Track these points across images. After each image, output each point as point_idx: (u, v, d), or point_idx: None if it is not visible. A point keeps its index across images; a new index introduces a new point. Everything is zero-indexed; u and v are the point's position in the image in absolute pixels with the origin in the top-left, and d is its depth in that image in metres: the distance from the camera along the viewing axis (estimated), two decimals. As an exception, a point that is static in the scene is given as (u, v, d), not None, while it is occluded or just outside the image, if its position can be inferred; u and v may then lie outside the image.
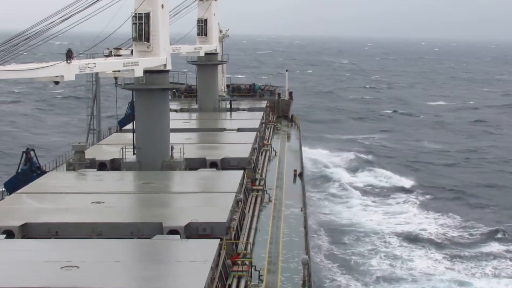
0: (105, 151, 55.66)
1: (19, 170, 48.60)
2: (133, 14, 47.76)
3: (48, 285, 26.43)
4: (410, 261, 60.75)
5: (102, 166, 51.01)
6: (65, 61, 38.02)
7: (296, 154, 73.75)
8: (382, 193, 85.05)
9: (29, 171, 48.27)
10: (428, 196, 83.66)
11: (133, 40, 48.40)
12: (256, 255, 38.76)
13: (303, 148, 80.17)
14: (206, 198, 41.01)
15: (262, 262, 38.42)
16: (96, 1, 42.93)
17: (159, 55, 48.19)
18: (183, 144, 51.53)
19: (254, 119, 74.00)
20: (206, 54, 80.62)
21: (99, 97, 68.22)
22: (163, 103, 49.98)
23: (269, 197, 52.34)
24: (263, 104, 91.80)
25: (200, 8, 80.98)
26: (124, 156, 49.63)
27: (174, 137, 51.97)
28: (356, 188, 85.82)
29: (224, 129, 68.78)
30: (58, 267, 28.13)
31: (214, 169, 50.42)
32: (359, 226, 70.27)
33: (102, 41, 45.10)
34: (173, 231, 33.64)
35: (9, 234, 33.48)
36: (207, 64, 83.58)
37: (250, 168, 52.74)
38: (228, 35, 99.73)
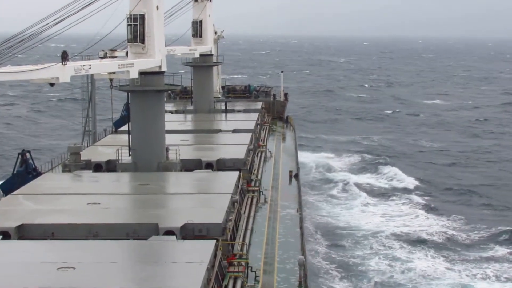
0: (100, 152, 55.69)
1: (15, 172, 48.63)
2: (128, 16, 47.79)
3: (44, 286, 26.49)
4: (410, 262, 60.12)
5: (97, 167, 51.07)
6: (60, 63, 38.04)
7: (291, 155, 73.81)
8: (383, 194, 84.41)
9: (25, 173, 48.28)
10: (429, 197, 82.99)
11: (128, 42, 48.41)
12: (252, 256, 38.79)
13: (300, 150, 79.93)
14: (202, 199, 41.06)
15: (258, 263, 38.47)
16: (91, 3, 42.98)
17: (154, 57, 48.22)
18: (179, 145, 51.53)
19: (249, 120, 74.10)
20: (201, 55, 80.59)
21: (94, 98, 68.25)
22: (158, 105, 50.01)
23: (265, 198, 52.39)
24: (259, 105, 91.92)
25: (195, 9, 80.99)
26: (119, 158, 49.67)
27: (169, 139, 52.00)
28: (356, 188, 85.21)
29: (220, 130, 68.86)
30: (54, 268, 28.18)
31: (210, 170, 50.50)
32: (359, 227, 69.77)
33: (97, 42, 45.17)
34: (169, 232, 33.71)
35: (5, 235, 33.55)
36: (202, 65, 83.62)
37: (245, 169, 52.79)
38: (223, 36, 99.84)
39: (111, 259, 29.90)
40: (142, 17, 47.64)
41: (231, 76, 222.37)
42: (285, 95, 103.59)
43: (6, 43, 36.35)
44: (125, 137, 52.77)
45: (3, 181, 49.51)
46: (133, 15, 47.70)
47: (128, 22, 47.85)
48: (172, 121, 68.55)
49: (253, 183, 53.55)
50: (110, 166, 50.92)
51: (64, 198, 40.41)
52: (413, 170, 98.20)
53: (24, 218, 35.34)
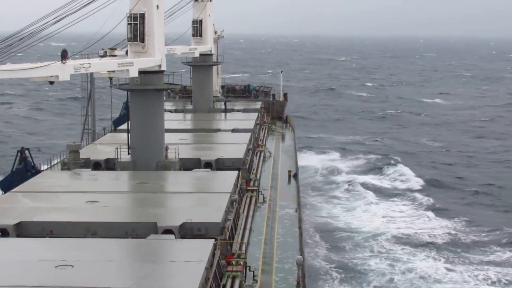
0: (99, 150, 55.74)
1: (14, 169, 48.67)
2: (128, 15, 47.81)
3: (43, 284, 26.51)
4: (411, 262, 59.98)
5: (96, 165, 51.11)
6: (60, 61, 38.08)
7: (290, 155, 73.84)
8: (385, 194, 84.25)
9: (23, 170, 48.34)
10: (432, 198, 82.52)
11: (128, 41, 48.42)
12: (251, 255, 38.81)
13: (301, 149, 79.84)
14: (200, 198, 41.07)
15: (257, 263, 38.49)
16: (90, 2, 43.00)
17: (154, 56, 48.25)
18: (178, 144, 51.59)
19: (248, 120, 74.13)
20: (201, 55, 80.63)
21: (94, 97, 68.30)
22: (158, 104, 50.03)
23: (264, 198, 52.40)
24: (258, 105, 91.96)
25: (195, 8, 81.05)
26: (118, 156, 49.69)
27: (168, 137, 52.04)
28: (357, 189, 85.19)
29: (219, 130, 68.89)
30: (52, 266, 28.20)
31: (209, 169, 50.53)
32: (360, 228, 69.72)
33: (97, 41, 45.17)
34: (168, 231, 33.74)
35: (4, 233, 33.60)
36: (202, 65, 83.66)
37: (244, 169, 52.80)
38: (223, 36, 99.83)
39: (110, 257, 29.92)
40: (142, 16, 47.67)
41: (232, 75, 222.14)
42: (285, 95, 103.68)
43: (6, 41, 36.36)
44: (124, 135, 52.81)
45: (2, 179, 49.53)
46: (133, 14, 47.73)
47: (128, 21, 47.87)
48: (171, 120, 68.58)
49: (252, 183, 53.59)
50: (109, 165, 50.95)
51: (63, 196, 40.42)
52: (418, 169, 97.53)
53: (22, 216, 35.35)
